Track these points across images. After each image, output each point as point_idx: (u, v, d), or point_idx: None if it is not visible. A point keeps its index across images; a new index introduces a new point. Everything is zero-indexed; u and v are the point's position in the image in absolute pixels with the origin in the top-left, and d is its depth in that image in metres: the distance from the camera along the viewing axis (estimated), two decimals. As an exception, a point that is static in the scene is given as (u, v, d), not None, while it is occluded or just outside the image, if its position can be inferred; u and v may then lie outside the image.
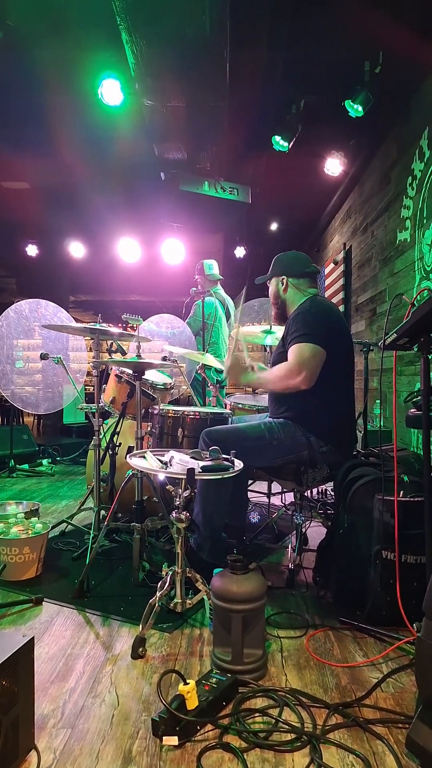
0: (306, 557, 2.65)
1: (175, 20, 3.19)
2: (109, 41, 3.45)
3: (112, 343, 3.00)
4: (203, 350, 3.80)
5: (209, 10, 3.07)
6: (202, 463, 1.84)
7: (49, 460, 5.44)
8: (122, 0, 2.96)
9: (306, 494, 2.83)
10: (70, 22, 3.42)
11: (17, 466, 5.03)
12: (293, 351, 2.26)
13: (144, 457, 1.97)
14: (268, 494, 3.37)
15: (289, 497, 3.03)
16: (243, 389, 4.41)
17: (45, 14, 3.35)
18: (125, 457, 2.05)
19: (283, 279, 2.51)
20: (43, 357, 3.13)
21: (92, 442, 2.72)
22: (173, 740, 1.37)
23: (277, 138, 4.57)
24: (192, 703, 1.42)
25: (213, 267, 4.56)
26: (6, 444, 5.06)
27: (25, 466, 5.17)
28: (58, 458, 5.72)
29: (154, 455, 1.97)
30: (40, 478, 4.94)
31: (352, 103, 3.91)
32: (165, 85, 3.86)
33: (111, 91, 3.83)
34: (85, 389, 6.25)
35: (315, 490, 3.74)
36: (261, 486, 3.67)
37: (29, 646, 1.37)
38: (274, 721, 1.46)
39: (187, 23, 3.20)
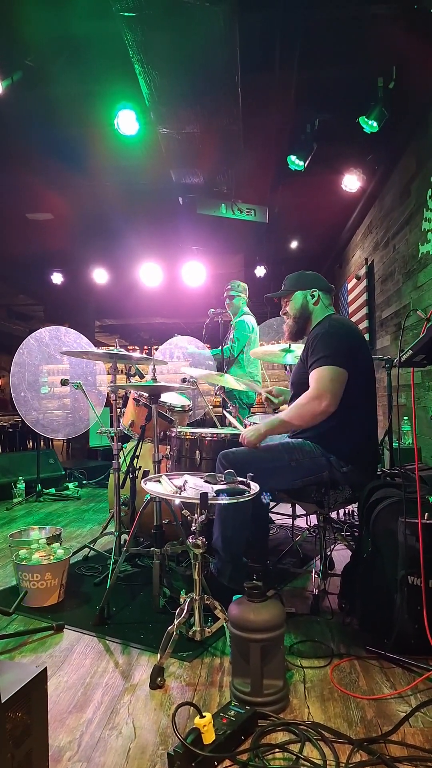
0: (332, 582, 2.57)
1: (186, 49, 3.26)
2: (123, 73, 3.55)
3: (131, 366, 3.02)
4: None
5: (219, 36, 3.13)
6: (216, 487, 1.81)
7: (76, 484, 5.48)
8: (134, 33, 3.05)
9: (332, 515, 2.75)
10: (85, 57, 3.54)
11: (44, 490, 5.08)
12: (314, 377, 2.23)
13: (159, 481, 1.96)
14: (293, 516, 3.30)
15: (314, 519, 2.96)
16: (263, 409, 4.36)
17: (61, 52, 3.49)
18: (139, 482, 2.04)
19: (314, 291, 2.48)
20: (64, 383, 3.18)
21: (113, 466, 2.73)
22: (189, 777, 1.33)
23: (293, 158, 4.59)
24: (208, 737, 1.38)
25: (238, 286, 4.66)
26: (33, 468, 5.13)
27: (52, 490, 5.21)
28: (84, 481, 5.76)
29: (170, 479, 1.95)
30: (66, 501, 4.97)
31: (366, 120, 3.91)
32: (179, 113, 3.95)
33: (127, 122, 3.94)
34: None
35: (341, 511, 3.64)
36: (285, 508, 3.61)
37: (42, 677, 1.35)
38: (294, 757, 1.40)
39: (198, 51, 3.28)
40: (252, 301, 4.77)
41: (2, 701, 1.17)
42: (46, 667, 1.36)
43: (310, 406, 2.21)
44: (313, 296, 2.48)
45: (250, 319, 4.50)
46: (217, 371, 3.88)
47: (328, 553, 2.67)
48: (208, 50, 3.25)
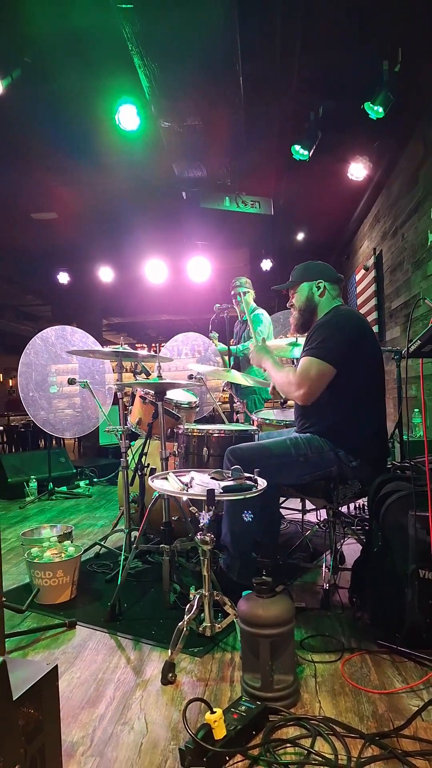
0: (342, 576, 2.56)
1: (185, 40, 3.23)
2: (123, 67, 3.53)
3: (137, 364, 3.01)
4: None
5: (219, 25, 3.09)
6: (223, 484, 1.80)
7: (87, 482, 5.51)
8: (132, 25, 3.02)
9: (341, 510, 2.74)
10: (84, 52, 3.52)
11: (56, 488, 5.11)
12: (302, 363, 2.26)
13: (167, 478, 1.96)
14: (302, 511, 3.28)
15: (324, 513, 2.95)
16: (271, 405, 4.34)
17: (59, 48, 3.46)
18: (147, 479, 2.04)
19: (319, 283, 2.44)
20: (71, 382, 3.18)
21: (121, 464, 2.73)
22: (201, 772, 1.33)
23: (297, 147, 4.53)
24: (219, 732, 1.38)
25: (243, 283, 4.61)
26: (45, 467, 5.16)
27: (64, 489, 5.25)
28: (95, 479, 5.79)
29: (177, 476, 1.95)
30: (78, 499, 5.01)
31: (371, 105, 3.82)
32: (180, 105, 3.92)
33: (128, 117, 3.92)
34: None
35: (351, 505, 3.63)
36: (294, 503, 3.59)
37: (53, 673, 1.36)
38: (306, 752, 1.40)
39: (197, 41, 3.24)
40: (258, 294, 4.73)
41: (14, 698, 1.18)
42: (57, 665, 1.36)
43: (288, 388, 2.33)
44: (318, 287, 2.45)
45: (264, 312, 4.47)
46: (233, 368, 3.85)
47: (339, 548, 2.65)
48: (208, 39, 3.21)
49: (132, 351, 2.64)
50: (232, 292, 4.54)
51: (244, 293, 4.50)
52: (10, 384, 15.36)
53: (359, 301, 6.84)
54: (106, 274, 7.89)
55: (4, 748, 1.13)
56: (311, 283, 2.46)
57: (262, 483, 1.83)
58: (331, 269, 2.52)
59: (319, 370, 2.19)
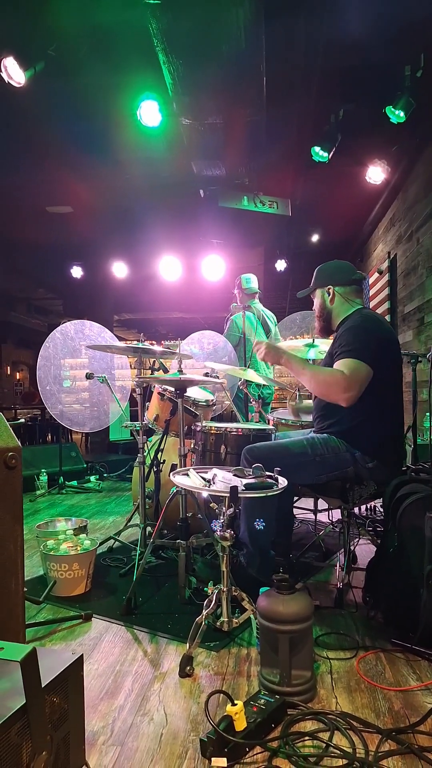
0: (355, 576, 2.58)
1: (210, 37, 3.24)
2: (147, 63, 3.54)
3: (154, 361, 3.04)
4: (245, 366, 3.79)
5: (244, 24, 3.11)
6: (245, 481, 1.83)
7: (97, 477, 5.55)
8: (158, 21, 3.04)
9: (354, 511, 2.76)
10: (108, 47, 3.52)
11: (66, 482, 5.15)
12: (346, 364, 2.18)
13: (187, 474, 1.98)
14: (315, 511, 3.30)
15: (337, 514, 2.97)
16: (286, 405, 4.36)
17: (84, 41, 3.46)
18: (168, 475, 2.07)
19: (329, 289, 2.45)
20: (89, 377, 3.21)
21: (137, 460, 2.76)
22: (222, 762, 1.35)
23: (317, 149, 4.54)
24: (240, 724, 1.40)
25: (251, 281, 4.57)
26: (56, 462, 5.20)
27: (74, 483, 5.29)
28: (105, 474, 5.83)
29: (198, 473, 1.97)
30: (88, 494, 5.04)
31: (393, 109, 3.84)
32: (202, 103, 3.93)
33: (149, 113, 3.92)
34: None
35: (363, 507, 3.64)
36: (307, 503, 3.61)
37: (78, 663, 1.38)
38: (324, 745, 1.42)
39: (222, 39, 3.26)
40: (271, 294, 4.74)
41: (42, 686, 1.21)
42: (82, 654, 1.39)
43: (336, 388, 2.17)
44: (329, 293, 2.46)
45: (242, 313, 4.44)
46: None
47: (352, 548, 2.67)
48: (233, 38, 3.23)
49: (151, 347, 2.66)
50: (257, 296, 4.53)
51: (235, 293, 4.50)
52: (18, 377, 15.42)
53: (372, 304, 6.84)
54: (119, 269, 7.90)
55: (33, 735, 1.16)
56: (322, 289, 2.48)
57: (282, 482, 1.85)
58: (344, 270, 2.49)
59: (364, 372, 2.17)
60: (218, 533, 1.80)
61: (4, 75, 3.33)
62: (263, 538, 2.27)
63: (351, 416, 2.25)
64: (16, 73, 3.39)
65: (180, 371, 2.43)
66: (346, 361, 2.19)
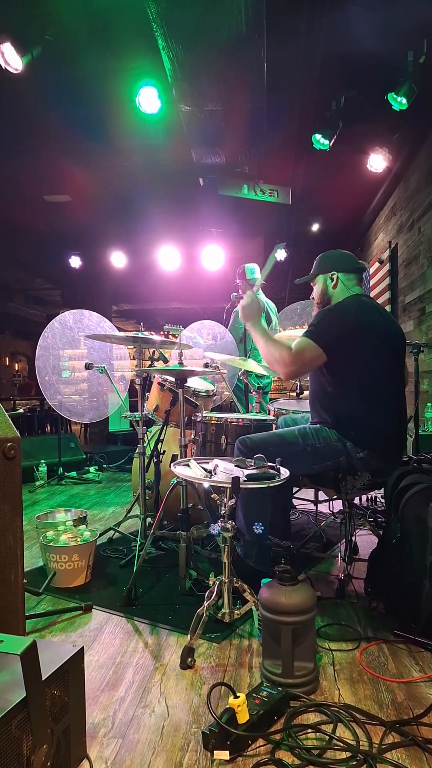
0: (356, 567, 2.57)
1: (211, 22, 3.18)
2: (146, 49, 3.48)
3: (154, 351, 3.01)
4: (245, 356, 3.76)
5: (245, 8, 3.04)
6: (247, 472, 1.81)
7: (96, 468, 5.54)
8: (157, 5, 2.98)
9: (354, 501, 2.75)
10: (106, 32, 3.46)
11: (65, 473, 5.14)
12: (298, 342, 2.24)
13: (188, 465, 1.96)
14: (315, 502, 3.29)
15: (337, 505, 2.96)
16: (287, 395, 4.34)
17: (82, 26, 3.40)
18: (169, 466, 2.05)
19: (333, 275, 2.43)
20: (88, 367, 3.18)
21: (137, 450, 2.74)
22: (224, 754, 1.34)
23: (318, 136, 4.48)
24: (242, 716, 1.39)
25: (255, 271, 4.52)
26: (55, 452, 5.18)
27: (73, 474, 5.28)
28: (104, 465, 5.82)
29: (199, 463, 1.95)
30: (87, 485, 5.03)
31: (395, 96, 3.77)
32: (202, 90, 3.87)
33: (148, 99, 3.86)
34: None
35: (364, 497, 3.63)
36: (308, 494, 3.60)
37: (79, 655, 1.37)
38: (327, 737, 1.41)
39: (223, 24, 3.20)
40: (271, 284, 4.71)
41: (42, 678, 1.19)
42: (83, 647, 1.38)
43: (279, 362, 2.25)
44: (332, 279, 2.44)
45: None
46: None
47: (353, 539, 2.66)
48: (233, 22, 3.16)
49: (150, 336, 2.63)
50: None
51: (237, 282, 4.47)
52: (17, 368, 15.38)
53: (372, 293, 6.80)
54: (118, 259, 7.84)
55: (33, 728, 1.14)
56: (325, 275, 2.46)
57: (285, 472, 1.83)
58: (347, 259, 2.49)
59: (315, 354, 2.19)
60: (220, 524, 1.79)
61: (0, 61, 3.27)
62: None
63: (341, 407, 2.24)
64: (13, 59, 3.32)
65: (180, 363, 2.40)
66: (300, 339, 2.24)
